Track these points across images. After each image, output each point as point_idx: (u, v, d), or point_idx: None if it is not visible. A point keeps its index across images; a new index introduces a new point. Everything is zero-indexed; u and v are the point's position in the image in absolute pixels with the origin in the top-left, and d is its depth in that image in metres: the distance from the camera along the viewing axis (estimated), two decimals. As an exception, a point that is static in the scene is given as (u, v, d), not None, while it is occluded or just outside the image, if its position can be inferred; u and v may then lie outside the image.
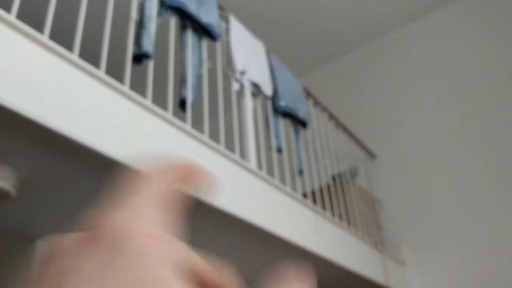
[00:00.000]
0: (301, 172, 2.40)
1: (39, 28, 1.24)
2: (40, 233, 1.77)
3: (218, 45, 2.10)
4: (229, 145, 1.90)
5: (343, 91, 4.17)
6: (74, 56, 1.27)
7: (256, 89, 2.26)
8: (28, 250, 1.81)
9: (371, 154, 3.63)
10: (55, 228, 1.74)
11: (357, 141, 3.43)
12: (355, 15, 3.93)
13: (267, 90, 2.31)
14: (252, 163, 1.98)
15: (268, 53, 2.48)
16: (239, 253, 2.11)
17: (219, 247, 2.01)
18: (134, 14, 1.64)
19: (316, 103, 2.89)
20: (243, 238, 1.93)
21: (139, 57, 1.61)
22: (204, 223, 1.76)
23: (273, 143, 2.28)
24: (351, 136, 3.34)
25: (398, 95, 3.79)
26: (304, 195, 2.62)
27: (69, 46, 1.34)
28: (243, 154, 2.04)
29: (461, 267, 2.95)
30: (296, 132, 2.53)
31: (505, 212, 2.93)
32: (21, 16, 1.22)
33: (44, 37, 1.20)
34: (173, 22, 1.85)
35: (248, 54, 2.22)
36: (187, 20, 1.88)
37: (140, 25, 1.64)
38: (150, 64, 1.65)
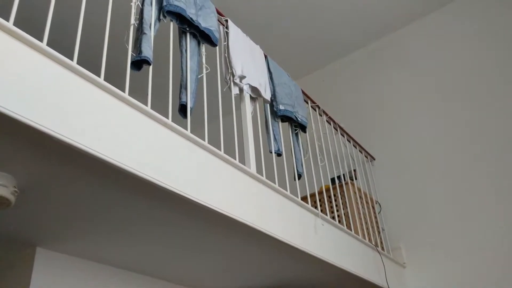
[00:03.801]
0: (300, 176, 2.40)
1: (38, 34, 1.24)
2: (40, 239, 1.76)
3: (217, 50, 2.10)
4: (229, 149, 1.90)
5: (341, 93, 4.17)
6: (73, 61, 1.27)
7: (255, 93, 2.26)
8: (28, 257, 1.80)
9: (370, 157, 3.63)
10: (54, 235, 1.73)
11: (356, 144, 3.44)
12: (353, 18, 3.94)
13: (266, 94, 2.31)
14: (252, 166, 1.98)
15: (266, 57, 2.48)
16: (239, 255, 2.10)
17: (220, 250, 2.01)
18: (133, 19, 1.64)
19: (315, 106, 2.89)
20: (242, 241, 1.93)
21: (139, 63, 1.61)
22: (205, 227, 1.76)
23: (273, 147, 2.29)
24: (350, 138, 3.34)
25: (396, 98, 3.80)
26: (304, 198, 2.62)
27: (68, 52, 1.34)
28: (242, 158, 2.04)
29: (460, 268, 2.96)
30: (295, 135, 2.53)
31: (502, 213, 2.93)
32: (19, 22, 1.22)
33: (42, 43, 1.19)
34: (171, 27, 1.85)
35: (247, 59, 2.22)
36: (186, 25, 1.88)
37: (140, 30, 1.65)
38: (149, 70, 1.66)
